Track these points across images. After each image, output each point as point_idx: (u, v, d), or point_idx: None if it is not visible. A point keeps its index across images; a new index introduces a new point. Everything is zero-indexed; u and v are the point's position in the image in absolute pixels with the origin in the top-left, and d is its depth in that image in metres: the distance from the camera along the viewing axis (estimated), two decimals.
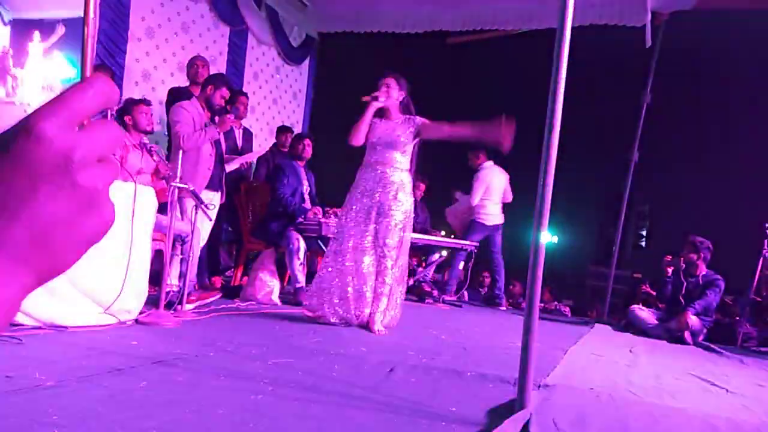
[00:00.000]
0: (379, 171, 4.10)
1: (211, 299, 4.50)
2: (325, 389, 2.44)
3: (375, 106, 4.09)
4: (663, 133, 7.85)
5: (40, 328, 2.92)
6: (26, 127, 0.34)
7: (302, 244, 5.08)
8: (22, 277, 0.35)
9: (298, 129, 7.88)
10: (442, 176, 6.90)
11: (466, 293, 7.44)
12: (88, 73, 0.38)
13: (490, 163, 7.01)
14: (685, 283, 5.77)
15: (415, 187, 6.74)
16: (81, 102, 0.36)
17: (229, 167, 5.00)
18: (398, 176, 4.10)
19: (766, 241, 5.74)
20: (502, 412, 2.22)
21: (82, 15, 0.34)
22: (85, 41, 0.37)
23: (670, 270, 6.04)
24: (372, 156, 4.14)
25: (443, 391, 2.62)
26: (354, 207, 4.11)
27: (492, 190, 6.93)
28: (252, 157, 5.78)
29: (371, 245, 4.08)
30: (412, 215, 4.21)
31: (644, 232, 10.24)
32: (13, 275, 0.34)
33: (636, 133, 6.64)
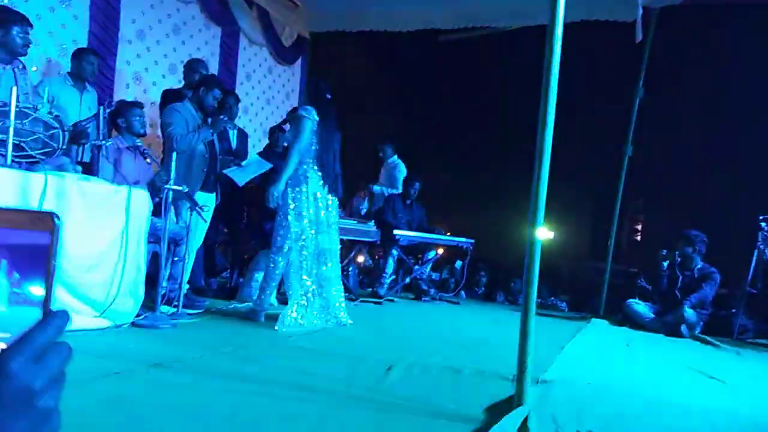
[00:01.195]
0: None
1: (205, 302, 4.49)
2: (323, 389, 2.44)
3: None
4: (657, 127, 7.86)
5: None
6: None
7: None
8: None
9: None
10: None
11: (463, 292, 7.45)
12: (51, 302, 0.45)
13: (396, 157, 7.22)
14: (680, 277, 5.78)
15: (409, 186, 6.75)
16: (40, 338, 0.45)
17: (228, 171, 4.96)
18: None
19: (760, 233, 5.76)
20: (501, 408, 2.22)
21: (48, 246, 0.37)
22: (48, 271, 0.40)
23: (665, 264, 6.05)
24: None
25: (442, 389, 2.62)
26: None
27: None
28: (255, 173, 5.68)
29: None
30: (283, 204, 4.12)
31: (639, 227, 10.26)
32: None
33: (630, 128, 6.65)
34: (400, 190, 6.84)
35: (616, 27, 6.53)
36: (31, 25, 3.68)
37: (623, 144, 6.68)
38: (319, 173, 4.14)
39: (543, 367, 3.10)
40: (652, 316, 5.74)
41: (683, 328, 5.40)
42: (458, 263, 7.68)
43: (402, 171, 7.09)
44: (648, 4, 6.40)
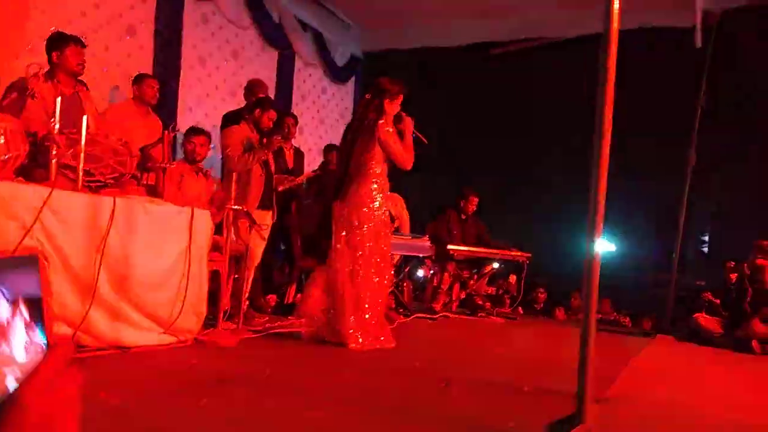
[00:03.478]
0: None
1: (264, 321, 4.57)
2: (382, 404, 2.45)
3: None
4: (722, 135, 7.57)
5: (104, 349, 3.04)
6: (15, 401, 0.47)
7: None
8: None
9: None
10: None
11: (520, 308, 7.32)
12: (51, 335, 0.50)
13: None
14: (750, 290, 5.52)
15: (464, 200, 6.71)
16: (49, 370, 0.48)
17: (282, 187, 5.09)
18: None
19: None
20: (561, 426, 2.18)
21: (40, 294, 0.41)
22: (44, 307, 0.44)
23: (733, 277, 5.79)
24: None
25: (500, 406, 2.59)
26: None
27: None
28: (301, 179, 5.83)
29: None
30: None
31: (706, 238, 9.87)
32: None
33: (692, 136, 6.43)
34: None
35: (676, 33, 6.36)
36: (83, 45, 3.87)
37: (686, 153, 6.47)
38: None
39: (605, 384, 3.02)
40: (721, 331, 5.50)
41: (754, 343, 5.15)
42: (513, 278, 7.55)
43: None
44: (709, 8, 6.21)
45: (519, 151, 8.82)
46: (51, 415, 0.47)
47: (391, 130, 3.99)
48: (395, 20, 7.41)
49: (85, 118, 3.17)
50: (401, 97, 4.07)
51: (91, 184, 3.21)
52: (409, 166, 4.01)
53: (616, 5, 2.25)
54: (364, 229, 3.97)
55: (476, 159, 8.03)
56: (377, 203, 4.00)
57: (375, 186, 3.98)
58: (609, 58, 2.22)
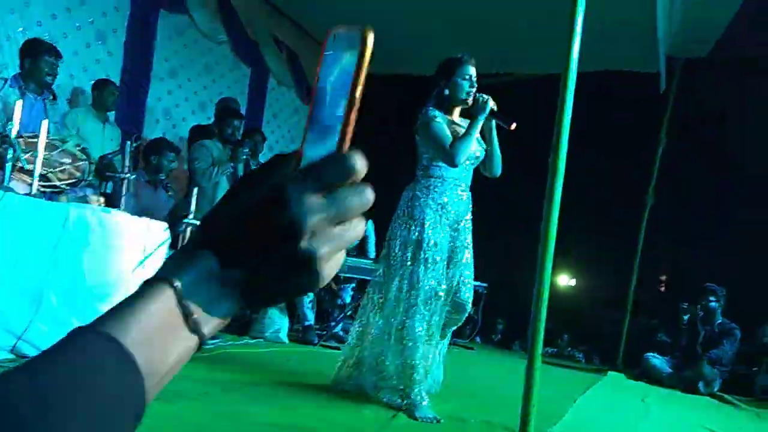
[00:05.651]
0: None
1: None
2: None
3: None
4: (682, 177, 7.81)
5: None
6: (276, 185, 0.38)
7: None
8: (233, 307, 0.42)
9: None
10: None
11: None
12: (347, 137, 0.36)
13: None
14: (702, 332, 5.65)
15: None
16: (330, 175, 0.38)
17: None
18: None
19: None
20: None
21: None
22: (350, 101, 0.38)
23: (686, 317, 5.93)
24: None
25: None
26: None
27: None
28: None
29: None
30: None
31: (663, 277, 10.08)
32: (230, 305, 0.41)
33: (652, 177, 6.63)
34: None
35: (641, 76, 6.58)
36: (59, 56, 3.84)
37: (646, 193, 6.66)
38: None
39: (552, 420, 3.03)
40: (670, 371, 5.60)
41: (701, 384, 5.25)
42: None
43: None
44: (673, 54, 6.44)
45: (485, 182, 8.93)
46: (302, 226, 0.38)
47: (438, 120, 3.12)
48: (373, 46, 7.48)
49: (44, 122, 3.12)
50: (457, 73, 3.16)
51: (46, 190, 3.15)
52: (450, 163, 3.05)
53: (576, 49, 2.33)
54: None
55: None
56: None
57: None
58: (566, 99, 2.29)
